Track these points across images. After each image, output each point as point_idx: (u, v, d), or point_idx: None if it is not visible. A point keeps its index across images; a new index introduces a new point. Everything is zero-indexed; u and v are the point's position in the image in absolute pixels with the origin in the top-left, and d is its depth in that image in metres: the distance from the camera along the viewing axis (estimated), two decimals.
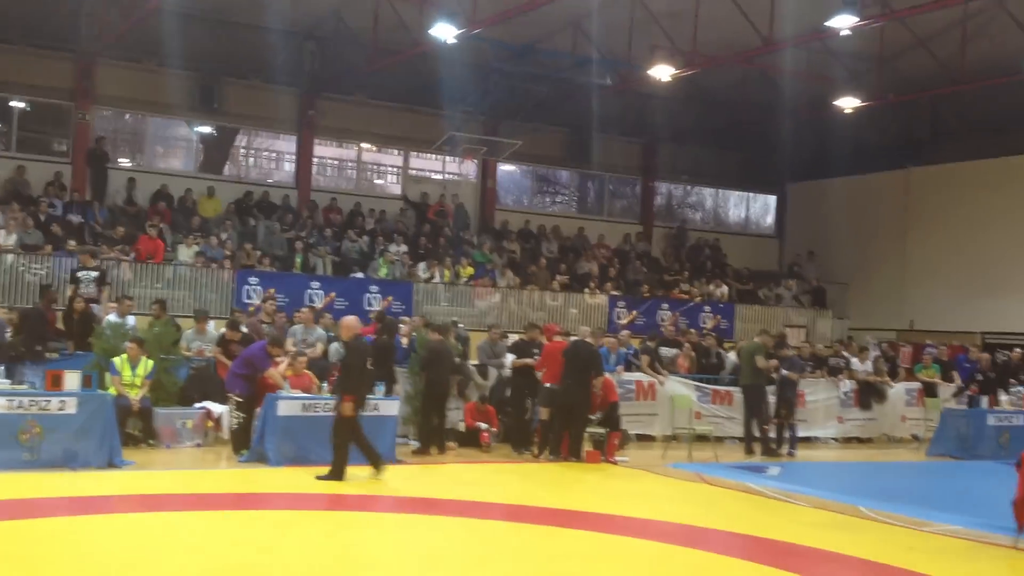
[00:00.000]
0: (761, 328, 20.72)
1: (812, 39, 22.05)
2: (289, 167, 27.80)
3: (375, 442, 13.47)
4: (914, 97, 25.91)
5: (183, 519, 9.88)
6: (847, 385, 20.19)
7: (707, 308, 26.47)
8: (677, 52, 22.51)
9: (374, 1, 22.52)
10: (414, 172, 29.54)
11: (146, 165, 26.33)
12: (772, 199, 34.81)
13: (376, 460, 12.44)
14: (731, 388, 18.73)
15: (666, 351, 19.38)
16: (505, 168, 30.53)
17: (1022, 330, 25.94)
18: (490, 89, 26.16)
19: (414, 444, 15.40)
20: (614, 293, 25.94)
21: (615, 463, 15.18)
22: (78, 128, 24.13)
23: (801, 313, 28.43)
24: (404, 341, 16.71)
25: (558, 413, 15.15)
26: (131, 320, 16.32)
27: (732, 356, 19.81)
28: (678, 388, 18.37)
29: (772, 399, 17.38)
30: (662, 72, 22.09)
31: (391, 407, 14.23)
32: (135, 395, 14.12)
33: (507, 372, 16.94)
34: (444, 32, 20.21)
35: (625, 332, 20.21)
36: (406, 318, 18.75)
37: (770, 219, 35.11)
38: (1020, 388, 21.20)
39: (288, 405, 13.46)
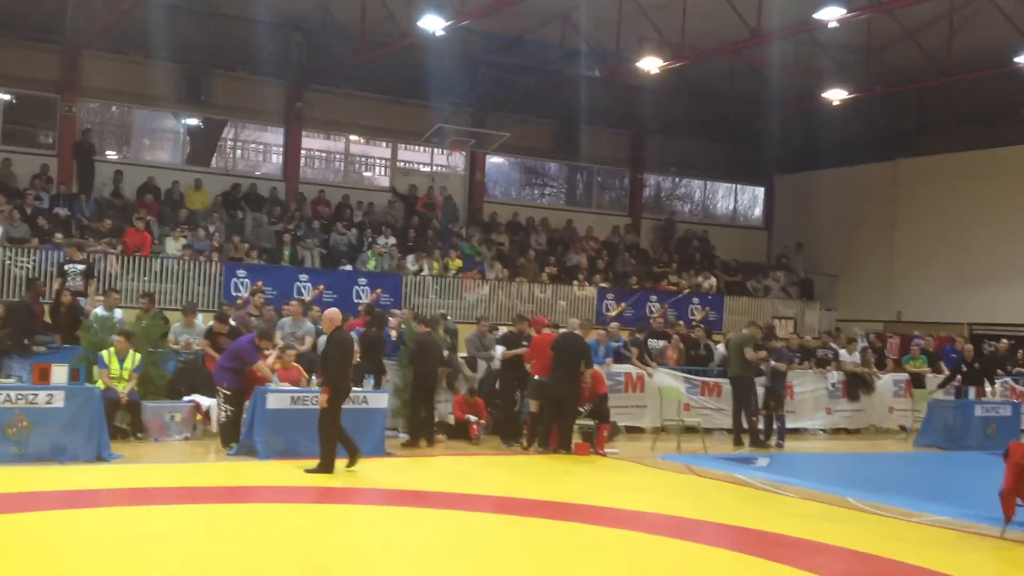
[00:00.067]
0: (749, 320, 20.76)
1: (800, 31, 22.06)
2: (277, 159, 27.72)
3: (364, 435, 13.54)
4: (902, 89, 25.99)
5: (172, 513, 9.86)
6: (835, 376, 20.24)
7: (696, 300, 26.52)
8: (665, 44, 22.51)
9: None
10: (402, 164, 29.49)
11: (133, 157, 26.20)
12: (760, 191, 34.88)
13: (354, 452, 12.43)
14: (720, 380, 18.79)
15: (655, 343, 19.40)
16: (493, 160, 30.50)
17: (1009, 321, 26.10)
18: (478, 81, 26.14)
19: (403, 437, 15.40)
20: (603, 285, 25.96)
21: (604, 455, 15.20)
22: (64, 120, 24.02)
23: (789, 305, 28.50)
24: (393, 334, 16.68)
25: (547, 405, 15.16)
26: (118, 313, 16.27)
27: (721, 348, 19.87)
28: (667, 380, 18.39)
29: (761, 390, 17.41)
30: (650, 64, 22.08)
31: (380, 400, 14.21)
32: (123, 388, 14.09)
33: (496, 365, 16.94)
34: (432, 24, 20.17)
35: (614, 324, 20.23)
36: (396, 311, 18.72)
37: (758, 211, 35.17)
38: (1007, 379, 21.31)
39: (277, 398, 13.42)
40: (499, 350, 16.83)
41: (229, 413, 13.68)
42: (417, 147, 29.02)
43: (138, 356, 14.43)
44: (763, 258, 32.99)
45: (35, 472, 11.41)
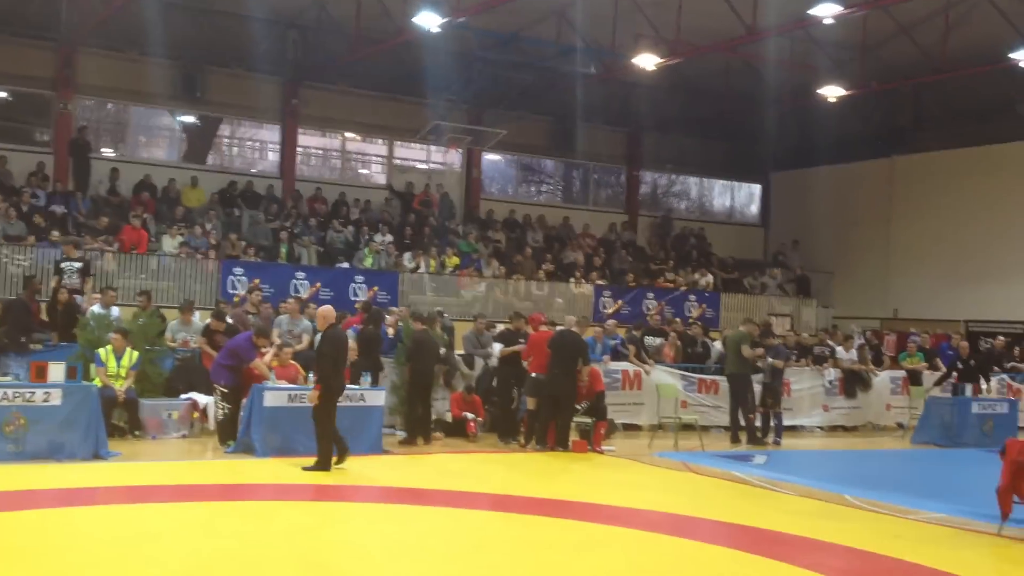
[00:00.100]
0: (746, 317, 20.76)
1: (795, 28, 22.08)
2: (273, 156, 27.70)
3: (361, 432, 13.59)
4: (897, 85, 26.00)
5: (170, 510, 9.86)
6: (832, 374, 20.26)
7: (692, 297, 26.52)
8: (661, 41, 22.51)
9: None
10: (399, 161, 29.47)
11: (129, 155, 26.18)
12: (757, 188, 34.88)
13: (343, 451, 12.44)
14: (717, 377, 18.77)
15: (651, 340, 19.40)
16: (490, 157, 30.47)
17: (1005, 318, 26.12)
18: (474, 78, 26.13)
19: (401, 434, 15.39)
20: (600, 282, 25.96)
21: (601, 452, 15.21)
22: (60, 118, 23.97)
23: (786, 302, 28.52)
24: (390, 331, 16.67)
25: (544, 403, 15.16)
26: (115, 311, 16.24)
27: (718, 345, 19.87)
28: (664, 377, 18.39)
29: (758, 388, 17.43)
30: (646, 61, 22.09)
31: (377, 397, 14.21)
32: (120, 386, 14.08)
33: (493, 362, 16.95)
34: (428, 20, 20.16)
35: (611, 321, 20.24)
36: (395, 308, 18.71)
37: (755, 208, 35.17)
38: (1004, 376, 21.33)
39: (274, 396, 13.41)
40: (497, 347, 16.83)
41: (226, 411, 13.68)
42: (413, 144, 28.99)
43: (135, 354, 14.43)
44: (759, 255, 32.99)
45: (33, 470, 11.41)
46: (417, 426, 15.19)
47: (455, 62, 24.55)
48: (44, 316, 16.65)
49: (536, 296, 24.70)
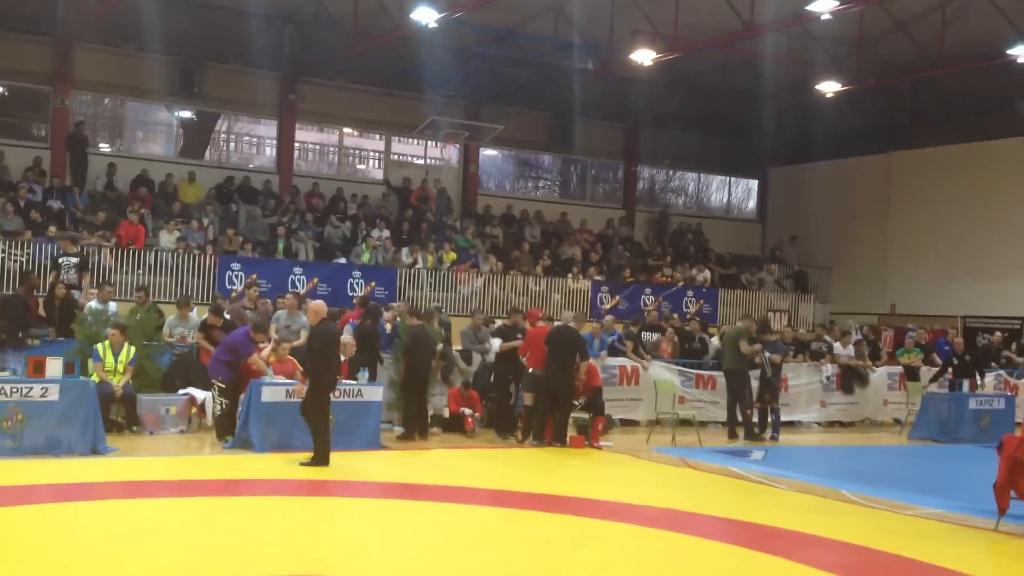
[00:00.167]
0: (744, 313, 20.83)
1: (793, 23, 22.10)
2: (270, 152, 27.70)
3: (359, 428, 13.62)
4: (894, 81, 26.02)
5: (168, 506, 9.85)
6: (829, 369, 20.26)
7: (690, 293, 26.52)
8: (658, 36, 22.53)
9: None
10: (396, 157, 29.48)
11: (126, 150, 26.17)
12: (754, 183, 34.91)
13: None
14: (714, 373, 18.77)
15: (649, 336, 19.41)
16: (487, 153, 30.49)
17: (1003, 314, 26.16)
18: (471, 73, 26.10)
19: (399, 430, 15.39)
20: (597, 278, 25.97)
21: (599, 448, 15.20)
22: (57, 113, 23.95)
23: (783, 298, 28.53)
24: (388, 327, 16.67)
25: (542, 398, 15.16)
26: (113, 306, 16.23)
27: (715, 341, 19.86)
28: (661, 373, 18.39)
29: (755, 383, 17.44)
30: (644, 56, 22.09)
31: (375, 393, 14.22)
32: (118, 381, 14.07)
33: (491, 358, 16.95)
34: (425, 16, 20.16)
35: (609, 317, 20.24)
36: (394, 304, 18.70)
37: (752, 204, 35.20)
38: (1001, 372, 21.36)
39: (272, 391, 13.41)
40: (495, 343, 16.83)
41: (224, 406, 13.66)
42: (411, 140, 29.02)
43: (133, 349, 14.40)
44: (757, 251, 33.02)
45: (30, 465, 11.40)
46: (415, 422, 15.20)
47: (452, 58, 24.54)
48: (41, 311, 16.62)
49: (533, 291, 24.70)
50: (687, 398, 18.29)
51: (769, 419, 17.45)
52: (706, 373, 18.96)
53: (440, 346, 16.34)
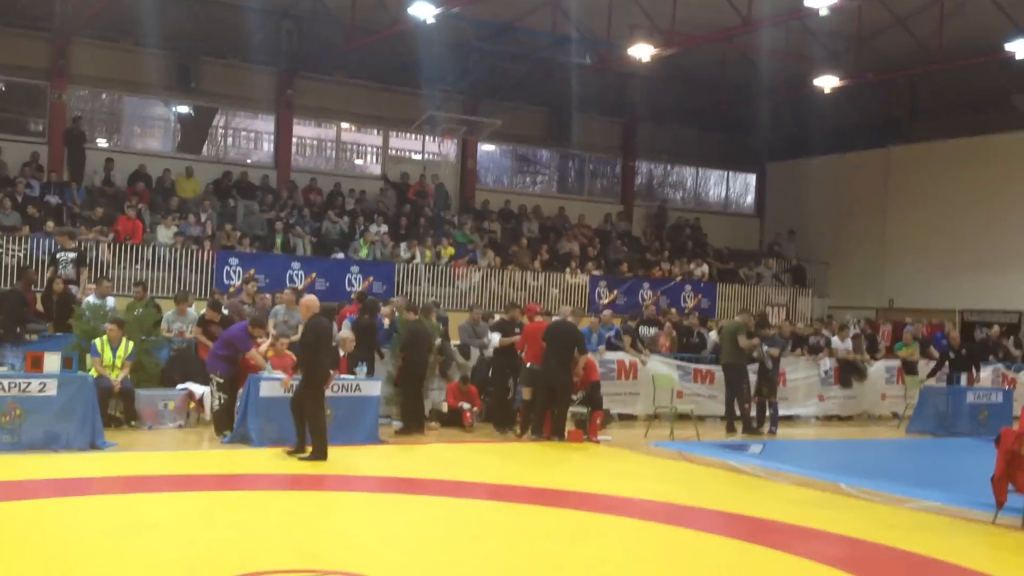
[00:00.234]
0: (742, 307, 20.82)
1: (791, 18, 22.07)
2: (268, 147, 27.66)
3: (357, 422, 13.62)
4: (892, 76, 25.99)
5: (166, 500, 9.86)
6: (828, 363, 20.28)
7: (688, 287, 26.53)
8: (656, 31, 22.50)
9: None
10: (394, 152, 29.46)
11: (123, 145, 26.15)
12: (752, 178, 34.90)
13: (300, 444, 12.40)
14: (712, 367, 18.80)
15: (647, 330, 19.42)
16: (485, 148, 30.46)
17: (1000, 307, 26.18)
18: (469, 68, 26.07)
19: (397, 424, 15.40)
20: (595, 273, 25.96)
21: (597, 442, 15.21)
22: (54, 108, 23.93)
23: (781, 292, 28.55)
24: (386, 322, 16.67)
25: (540, 393, 15.17)
26: (111, 301, 16.22)
27: (713, 335, 19.88)
28: (660, 367, 18.40)
29: (753, 377, 17.46)
30: (642, 51, 22.06)
31: (373, 387, 14.22)
32: (116, 376, 14.07)
33: (489, 352, 16.95)
34: (423, 11, 20.12)
35: (607, 312, 20.23)
36: (392, 299, 18.69)
37: (750, 198, 35.20)
38: (998, 365, 21.38)
39: (270, 386, 13.39)
40: (495, 337, 16.82)
41: (222, 401, 13.68)
42: (408, 135, 28.98)
43: (131, 344, 14.40)
44: (755, 245, 33.02)
45: (29, 460, 11.40)
46: (413, 416, 15.20)
47: (450, 52, 24.51)
48: (39, 306, 16.61)
49: (532, 286, 24.69)
50: (685, 392, 18.32)
51: (767, 413, 17.48)
52: (704, 367, 18.99)
53: (438, 341, 16.34)
